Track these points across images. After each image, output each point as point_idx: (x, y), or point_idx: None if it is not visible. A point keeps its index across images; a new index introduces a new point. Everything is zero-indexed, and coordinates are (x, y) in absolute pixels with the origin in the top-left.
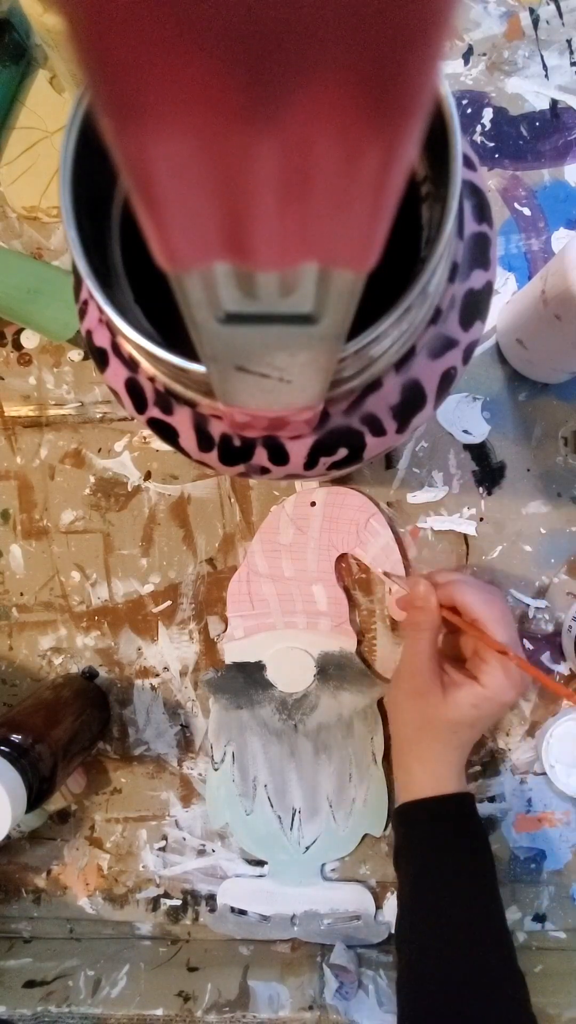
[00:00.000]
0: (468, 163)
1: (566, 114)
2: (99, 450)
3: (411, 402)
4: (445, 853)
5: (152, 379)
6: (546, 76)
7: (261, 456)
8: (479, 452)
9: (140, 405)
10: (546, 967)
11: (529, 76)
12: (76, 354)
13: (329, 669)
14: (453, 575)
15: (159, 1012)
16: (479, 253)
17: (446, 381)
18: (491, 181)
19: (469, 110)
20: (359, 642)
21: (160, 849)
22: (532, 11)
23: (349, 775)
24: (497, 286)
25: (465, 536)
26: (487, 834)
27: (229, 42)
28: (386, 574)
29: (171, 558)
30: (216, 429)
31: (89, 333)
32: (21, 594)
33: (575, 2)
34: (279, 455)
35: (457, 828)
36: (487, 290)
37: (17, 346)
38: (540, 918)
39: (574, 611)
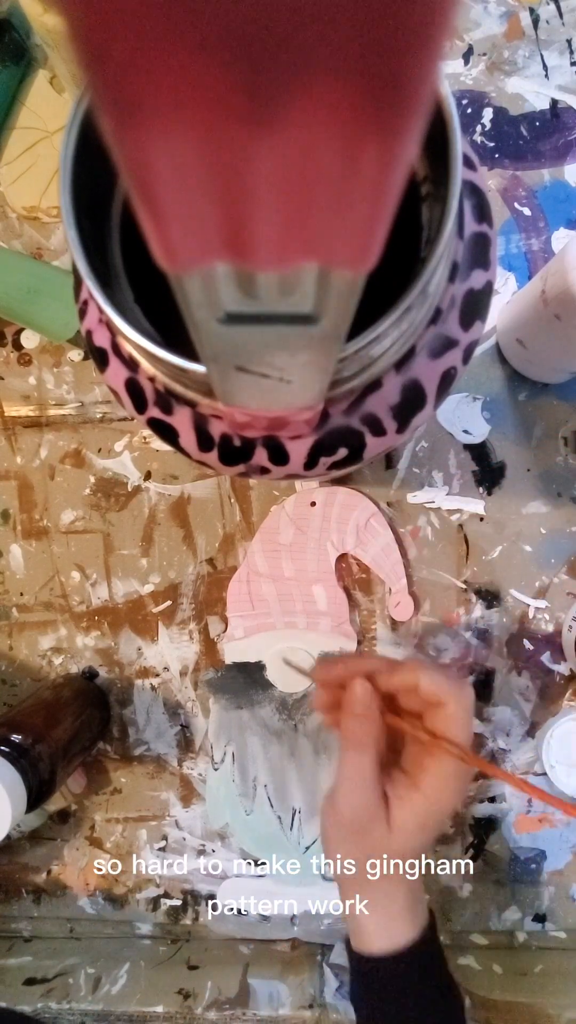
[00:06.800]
0: (468, 163)
1: (566, 114)
2: (99, 450)
3: (411, 402)
4: (408, 1011)
5: (152, 379)
6: (546, 76)
7: (261, 456)
8: (479, 452)
9: (140, 405)
10: (546, 967)
11: (529, 76)
12: (76, 354)
13: None
14: (384, 660)
15: (159, 1009)
16: (479, 253)
17: (446, 381)
18: (491, 181)
19: (469, 110)
20: (359, 642)
21: (160, 849)
22: (532, 11)
23: None
24: (497, 286)
25: (465, 536)
26: (451, 975)
27: (229, 42)
28: (287, 662)
29: (171, 558)
30: (216, 429)
31: (89, 333)
32: (21, 594)
33: (575, 2)
34: (279, 455)
35: (418, 984)
36: (487, 290)
37: (17, 346)
38: (540, 918)
39: (574, 611)
